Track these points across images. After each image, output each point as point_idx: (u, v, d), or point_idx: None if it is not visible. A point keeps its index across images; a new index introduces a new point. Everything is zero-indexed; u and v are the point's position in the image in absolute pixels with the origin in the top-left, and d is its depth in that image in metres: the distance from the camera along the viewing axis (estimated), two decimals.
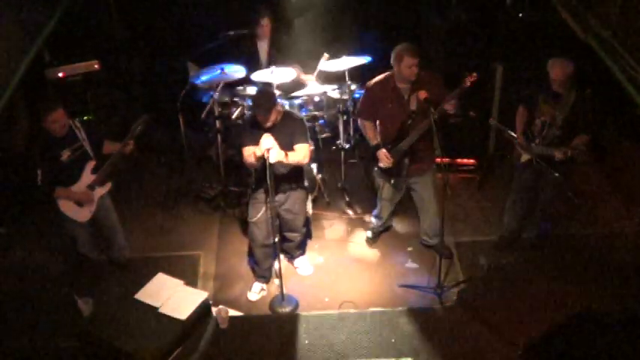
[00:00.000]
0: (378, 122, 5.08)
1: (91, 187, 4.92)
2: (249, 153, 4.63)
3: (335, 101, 6.13)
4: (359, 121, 5.26)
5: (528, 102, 5.13)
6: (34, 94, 6.37)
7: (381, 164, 5.06)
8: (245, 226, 5.35)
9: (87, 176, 4.90)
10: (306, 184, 5.07)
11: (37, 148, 4.76)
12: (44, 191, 4.79)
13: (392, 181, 5.23)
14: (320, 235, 5.81)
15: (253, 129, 4.64)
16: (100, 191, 4.99)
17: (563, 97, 4.88)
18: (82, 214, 4.95)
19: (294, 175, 4.86)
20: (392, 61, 4.87)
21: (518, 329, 3.83)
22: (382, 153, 5.01)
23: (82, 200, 4.89)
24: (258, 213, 4.86)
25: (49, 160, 4.74)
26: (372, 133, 5.12)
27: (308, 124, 5.81)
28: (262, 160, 4.49)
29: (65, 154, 4.79)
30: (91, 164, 4.92)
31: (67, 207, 4.89)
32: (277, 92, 5.94)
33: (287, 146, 4.64)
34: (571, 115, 4.88)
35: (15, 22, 5.02)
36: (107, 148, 5.03)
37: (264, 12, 6.25)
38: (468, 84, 4.68)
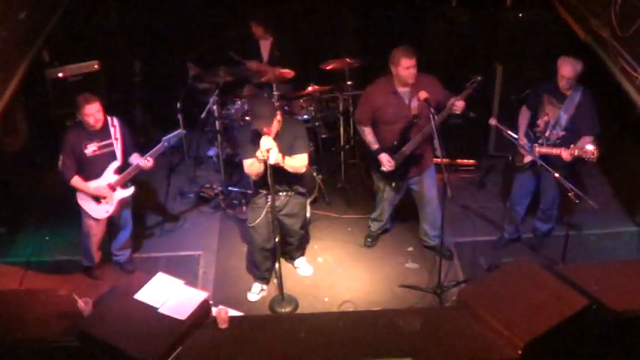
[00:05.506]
0: (377, 127, 5.06)
1: (112, 187, 4.91)
2: (250, 163, 4.60)
3: (335, 101, 6.14)
4: (358, 127, 5.20)
5: (531, 102, 5.13)
6: (34, 94, 6.37)
7: (383, 168, 5.05)
8: (245, 226, 5.34)
9: (109, 175, 4.89)
10: (304, 189, 5.06)
11: (66, 135, 4.80)
12: (62, 177, 4.82)
13: (393, 184, 5.22)
14: (320, 236, 5.81)
15: (254, 142, 4.55)
16: (122, 193, 4.97)
17: (569, 97, 4.87)
18: (98, 212, 4.94)
19: (293, 180, 4.84)
20: (390, 65, 4.86)
21: (518, 329, 3.83)
22: (384, 157, 4.99)
23: (99, 197, 4.88)
24: (258, 218, 4.84)
25: (73, 149, 4.76)
26: (371, 137, 5.08)
27: (308, 125, 5.83)
28: (263, 162, 4.47)
29: (91, 148, 4.80)
30: (115, 164, 4.90)
31: (84, 200, 4.89)
32: (277, 93, 5.95)
33: (287, 152, 4.61)
34: (576, 115, 4.87)
35: (15, 22, 5.02)
36: (132, 159, 4.98)
37: (252, 16, 6.29)
38: (475, 86, 4.70)
